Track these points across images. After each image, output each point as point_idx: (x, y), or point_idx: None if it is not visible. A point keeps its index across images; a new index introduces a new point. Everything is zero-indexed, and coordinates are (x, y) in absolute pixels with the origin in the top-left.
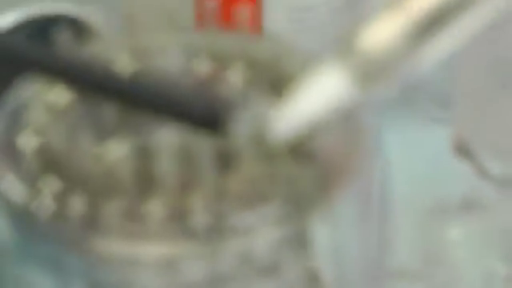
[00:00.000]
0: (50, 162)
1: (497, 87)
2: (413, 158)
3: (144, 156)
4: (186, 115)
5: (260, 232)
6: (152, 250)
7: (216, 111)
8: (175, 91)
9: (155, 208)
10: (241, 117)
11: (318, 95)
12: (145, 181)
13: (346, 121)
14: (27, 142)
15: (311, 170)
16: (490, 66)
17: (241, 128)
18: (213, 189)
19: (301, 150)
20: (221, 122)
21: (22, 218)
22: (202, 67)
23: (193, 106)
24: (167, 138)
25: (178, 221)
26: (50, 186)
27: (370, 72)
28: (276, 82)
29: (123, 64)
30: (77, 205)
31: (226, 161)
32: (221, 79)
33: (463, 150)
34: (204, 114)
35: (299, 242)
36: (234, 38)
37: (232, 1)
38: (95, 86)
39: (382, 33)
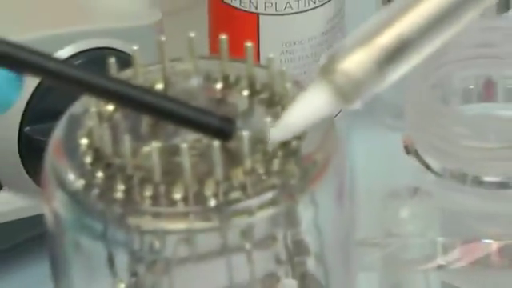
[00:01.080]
0: (98, 156)
1: (438, 102)
2: (373, 156)
3: (169, 153)
4: (203, 127)
5: (258, 213)
6: (174, 226)
7: (225, 125)
8: (195, 109)
9: (177, 193)
10: (243, 126)
11: (307, 107)
12: (170, 172)
13: (326, 126)
14: (82, 140)
15: (299, 164)
16: (433, 85)
17: (243, 134)
18: (221, 179)
19: (291, 149)
20: (228, 131)
21: (77, 199)
22: (218, 86)
23: (208, 122)
24: (187, 141)
25: (194, 203)
26: (98, 174)
27: (347, 90)
28: (271, 96)
29: (157, 86)
30: (118, 190)
31: (231, 158)
32: (231, 96)
33: (411, 151)
34: (217, 127)
35: (289, 219)
36: (239, 64)
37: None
38: (134, 102)
39: (356, 60)
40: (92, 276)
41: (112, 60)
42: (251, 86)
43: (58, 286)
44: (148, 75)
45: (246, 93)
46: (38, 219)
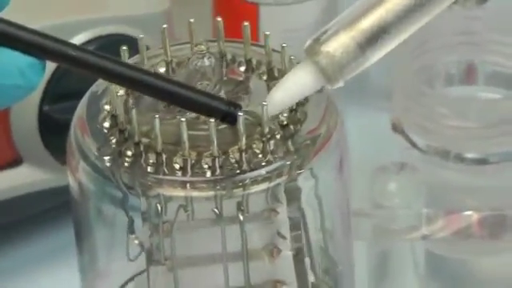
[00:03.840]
0: (118, 132)
1: (423, 85)
2: (363, 134)
3: (178, 129)
4: (211, 112)
5: (252, 186)
6: (182, 192)
7: (231, 109)
8: (204, 94)
9: (184, 166)
10: (243, 110)
11: (293, 85)
12: (176, 146)
13: (327, 104)
14: (103, 116)
15: (301, 139)
16: (419, 70)
17: (239, 115)
18: (221, 156)
19: (293, 129)
20: (234, 116)
21: (98, 169)
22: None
23: (216, 106)
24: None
25: (199, 175)
26: (118, 148)
27: (330, 70)
28: (271, 72)
29: (161, 69)
30: (135, 161)
31: (230, 137)
32: (236, 73)
33: (399, 129)
34: (224, 111)
35: (289, 193)
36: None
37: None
38: (146, 87)
39: (339, 42)
40: (111, 236)
41: (124, 47)
42: (248, 63)
43: (81, 249)
44: (153, 60)
45: (250, 69)
46: (55, 191)
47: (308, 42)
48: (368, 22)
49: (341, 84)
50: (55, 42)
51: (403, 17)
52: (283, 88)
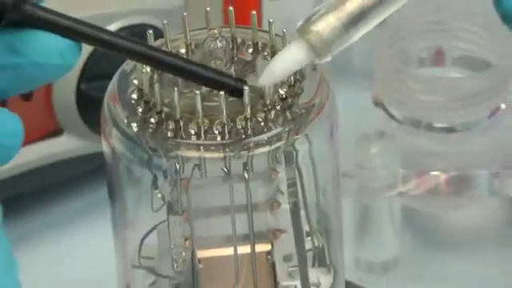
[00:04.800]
0: (144, 104)
1: (399, 66)
2: (349, 109)
3: (193, 100)
4: (222, 87)
5: (257, 148)
6: (196, 154)
7: (238, 84)
8: (216, 72)
9: (198, 131)
10: (249, 85)
11: (287, 60)
12: (192, 115)
13: (320, 79)
14: (131, 90)
15: (298, 109)
16: (396, 53)
17: (245, 89)
18: (230, 123)
19: (292, 104)
20: (241, 90)
21: (128, 135)
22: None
23: (226, 82)
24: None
25: (211, 139)
26: (144, 117)
27: (319, 47)
28: (274, 53)
29: (181, 50)
30: (158, 128)
31: (237, 108)
32: (244, 54)
33: (379, 104)
34: (232, 86)
35: (287, 155)
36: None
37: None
38: (167, 66)
39: (326, 23)
40: (138, 191)
41: (150, 32)
42: (255, 46)
43: (113, 203)
44: (174, 43)
45: (250, 51)
46: (90, 157)
47: (299, 23)
48: (351, 6)
49: (328, 59)
50: (91, 27)
51: (380, 2)
52: (279, 61)
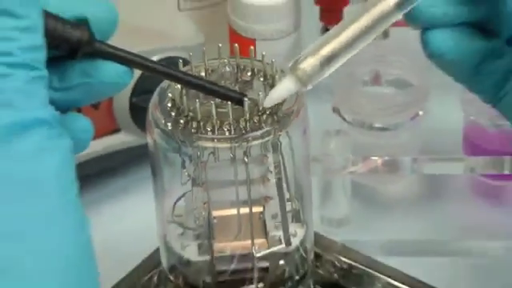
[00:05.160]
0: (176, 110)
1: (350, 85)
2: (316, 114)
3: (210, 107)
4: (228, 98)
5: (253, 141)
6: (211, 144)
7: (240, 97)
8: (225, 88)
9: (213, 129)
10: (248, 97)
11: (282, 89)
12: (208, 118)
13: (297, 94)
14: (167, 100)
15: (281, 113)
16: (349, 76)
17: (245, 101)
18: (234, 123)
19: (277, 110)
20: (241, 101)
21: (165, 132)
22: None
23: (231, 95)
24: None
25: (221, 134)
26: (176, 119)
27: (304, 80)
28: (265, 76)
29: (201, 73)
30: (185, 126)
31: (240, 113)
32: (245, 76)
33: (336, 111)
34: (235, 98)
35: (274, 145)
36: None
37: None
38: (192, 84)
39: (309, 63)
40: (172, 171)
41: (180, 61)
42: (252, 71)
43: (155, 179)
44: (197, 68)
45: (249, 74)
46: (139, 147)
47: (290, 63)
48: (325, 51)
49: (310, 87)
50: (140, 58)
51: (346, 49)
52: (277, 91)
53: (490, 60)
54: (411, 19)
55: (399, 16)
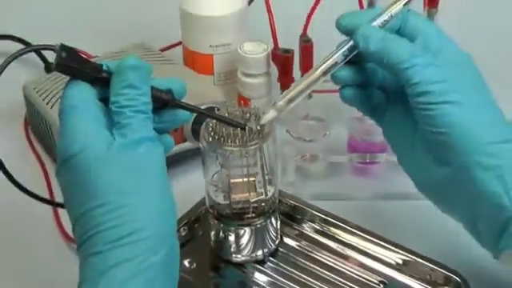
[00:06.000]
0: (214, 131)
1: (296, 119)
2: (279, 133)
3: (228, 130)
4: (236, 126)
5: (250, 146)
6: (230, 148)
7: (243, 125)
8: (234, 120)
9: (230, 140)
10: (247, 127)
11: (269, 113)
12: (227, 135)
13: (272, 124)
14: (209, 126)
15: (263, 132)
16: (295, 112)
17: (247, 127)
18: (241, 138)
19: (262, 131)
20: (244, 128)
21: (208, 142)
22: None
23: (238, 124)
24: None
25: (234, 143)
26: (213, 135)
27: (279, 109)
28: (257, 116)
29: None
30: (219, 140)
31: (243, 133)
32: (245, 115)
33: (288, 132)
34: (240, 126)
35: (260, 149)
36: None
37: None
38: (218, 119)
39: (281, 102)
40: (212, 161)
41: (216, 108)
42: (250, 113)
43: (204, 165)
44: (220, 112)
45: (248, 115)
46: (195, 149)
47: (273, 102)
48: (290, 95)
49: (282, 114)
50: (196, 108)
51: (299, 95)
52: (267, 115)
53: (372, 96)
54: (333, 80)
55: (324, 78)
